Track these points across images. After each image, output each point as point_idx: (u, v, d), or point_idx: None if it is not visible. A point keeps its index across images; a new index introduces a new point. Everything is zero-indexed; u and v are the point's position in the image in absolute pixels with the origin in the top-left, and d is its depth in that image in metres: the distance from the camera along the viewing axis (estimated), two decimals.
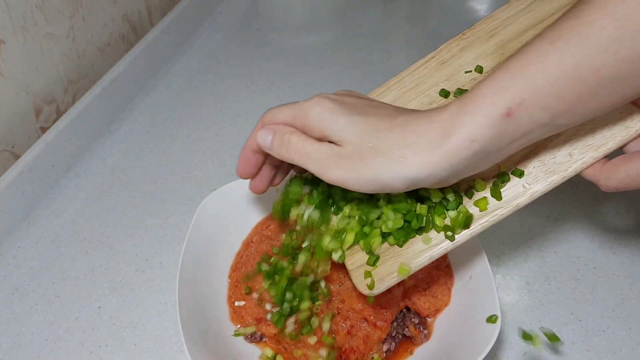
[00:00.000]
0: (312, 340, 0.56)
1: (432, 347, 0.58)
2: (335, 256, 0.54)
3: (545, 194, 0.49)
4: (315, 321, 0.57)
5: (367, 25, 1.17)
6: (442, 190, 0.51)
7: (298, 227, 0.56)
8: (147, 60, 1.01)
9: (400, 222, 0.51)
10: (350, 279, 0.54)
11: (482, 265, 0.58)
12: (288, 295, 0.56)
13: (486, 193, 0.51)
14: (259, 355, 0.58)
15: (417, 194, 0.52)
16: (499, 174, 0.51)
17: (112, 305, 0.65)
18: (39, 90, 0.84)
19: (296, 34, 1.16)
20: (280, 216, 0.57)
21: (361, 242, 0.53)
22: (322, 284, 0.58)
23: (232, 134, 0.90)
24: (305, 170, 0.56)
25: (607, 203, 0.74)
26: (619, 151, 0.48)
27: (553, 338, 0.54)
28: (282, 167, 0.56)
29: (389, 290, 0.58)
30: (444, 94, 0.57)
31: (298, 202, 0.56)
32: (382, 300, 0.58)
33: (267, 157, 0.53)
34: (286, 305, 0.56)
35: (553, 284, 0.65)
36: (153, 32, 1.04)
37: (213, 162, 0.85)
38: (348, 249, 0.54)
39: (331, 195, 0.55)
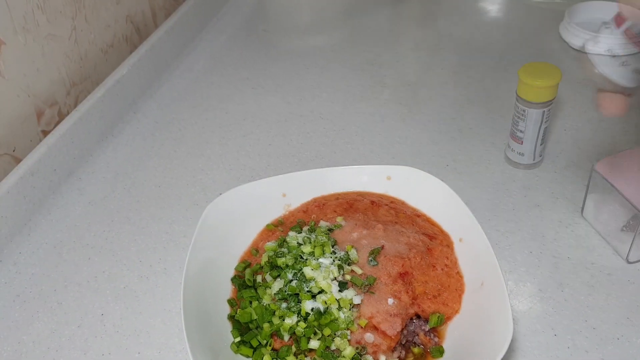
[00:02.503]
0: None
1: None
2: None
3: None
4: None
5: (376, 26, 1.16)
6: None
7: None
8: (151, 62, 1.00)
9: None
10: None
11: (493, 271, 0.57)
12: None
13: None
14: None
15: None
16: None
17: (115, 313, 0.65)
18: (40, 93, 0.83)
19: (303, 35, 1.15)
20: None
21: None
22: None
23: (237, 137, 0.89)
24: None
25: None
26: None
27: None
28: None
29: (398, 298, 0.57)
30: None
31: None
32: (391, 309, 0.57)
33: None
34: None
35: (566, 290, 0.64)
36: (157, 33, 1.03)
37: (218, 165, 0.84)
38: None
39: None
